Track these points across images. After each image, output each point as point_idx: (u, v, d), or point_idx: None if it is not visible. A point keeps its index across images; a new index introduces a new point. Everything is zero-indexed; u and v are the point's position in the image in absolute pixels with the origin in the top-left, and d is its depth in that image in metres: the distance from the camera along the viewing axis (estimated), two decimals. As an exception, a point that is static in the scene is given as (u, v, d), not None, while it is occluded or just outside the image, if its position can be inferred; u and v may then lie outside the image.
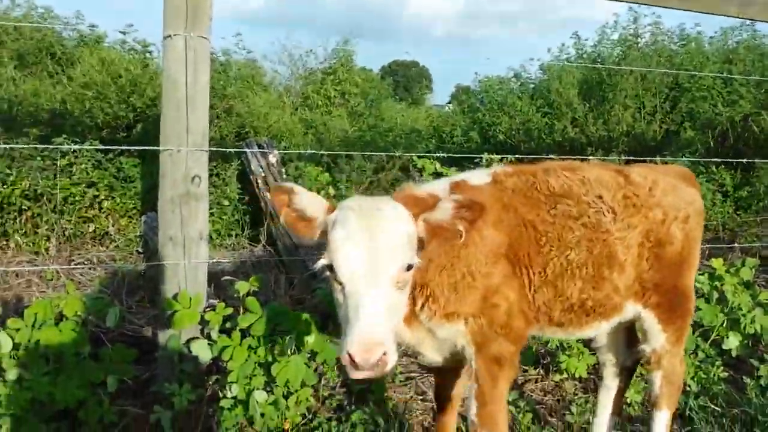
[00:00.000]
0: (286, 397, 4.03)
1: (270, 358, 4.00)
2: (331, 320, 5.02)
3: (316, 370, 4.41)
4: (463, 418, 3.58)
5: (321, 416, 4.09)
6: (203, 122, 4.16)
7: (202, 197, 4.21)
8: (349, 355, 2.22)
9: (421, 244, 2.63)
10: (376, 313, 2.31)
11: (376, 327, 2.28)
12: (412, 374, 5.03)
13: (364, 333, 2.24)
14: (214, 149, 7.56)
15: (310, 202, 2.66)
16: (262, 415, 3.88)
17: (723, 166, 9.86)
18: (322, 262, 2.48)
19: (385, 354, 2.23)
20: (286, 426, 3.89)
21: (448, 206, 2.62)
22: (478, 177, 3.27)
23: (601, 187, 3.39)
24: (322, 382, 4.48)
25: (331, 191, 8.45)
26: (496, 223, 3.04)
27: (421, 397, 4.76)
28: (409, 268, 2.51)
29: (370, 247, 2.40)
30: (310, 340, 4.15)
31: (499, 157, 8.47)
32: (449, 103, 17.11)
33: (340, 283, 2.42)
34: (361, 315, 2.29)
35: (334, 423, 3.99)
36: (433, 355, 3.20)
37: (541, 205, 3.21)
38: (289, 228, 2.70)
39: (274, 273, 6.35)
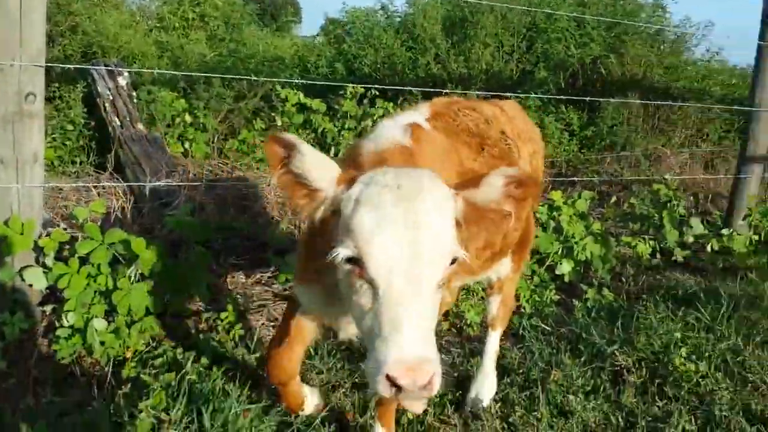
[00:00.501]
0: (129, 326, 3.93)
1: (111, 286, 3.86)
2: (182, 248, 4.92)
3: (162, 298, 4.32)
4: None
5: (166, 344, 4.03)
6: (39, 36, 3.91)
7: (37, 116, 3.97)
8: (389, 378, 1.77)
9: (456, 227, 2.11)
10: (421, 325, 1.84)
11: (422, 342, 1.82)
12: (266, 302, 5.04)
13: (410, 350, 1.79)
14: (53, 65, 7.05)
15: (316, 165, 2.08)
16: (102, 343, 3.76)
17: (571, 106, 10.40)
18: (344, 252, 1.96)
19: (434, 374, 1.80)
20: (128, 354, 3.80)
21: (497, 182, 2.11)
22: (418, 118, 2.93)
23: (499, 122, 3.44)
24: (168, 311, 4.39)
25: (188, 119, 8.14)
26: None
27: (272, 324, 4.79)
28: (454, 261, 2.04)
29: (416, 239, 1.91)
30: (157, 267, 4.04)
31: (363, 89, 8.48)
32: (317, 35, 16.71)
33: (371, 283, 1.92)
34: (405, 327, 1.82)
35: (179, 350, 3.94)
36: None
37: (472, 150, 3.13)
38: (282, 194, 2.31)
39: (121, 201, 6.07)
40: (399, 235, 1.90)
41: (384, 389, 1.78)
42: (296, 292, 2.96)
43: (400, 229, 1.91)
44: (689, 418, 3.68)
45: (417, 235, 1.91)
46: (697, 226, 7.39)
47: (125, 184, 6.39)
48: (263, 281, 5.38)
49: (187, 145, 8.07)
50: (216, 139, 8.37)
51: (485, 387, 3.90)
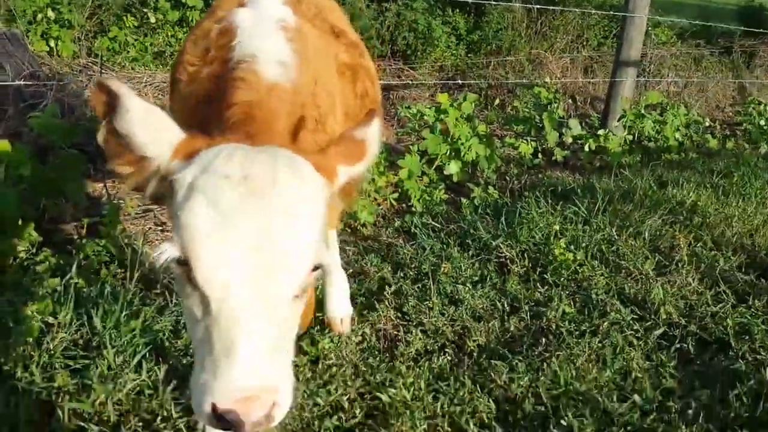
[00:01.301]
0: (5, 233, 3.68)
1: (-22, 192, 3.58)
2: (51, 154, 4.61)
3: (38, 204, 4.07)
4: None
5: (47, 251, 3.82)
6: None
7: None
8: (214, 408, 1.40)
9: None
10: (261, 347, 1.44)
11: (262, 368, 1.43)
12: (151, 206, 4.86)
13: (243, 380, 1.40)
14: None
15: (147, 125, 1.57)
16: (-25, 251, 3.52)
17: (458, 10, 10.37)
18: (171, 252, 1.49)
19: (274, 406, 1.44)
20: (7, 262, 3.58)
21: (372, 145, 1.77)
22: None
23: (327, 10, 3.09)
24: (46, 216, 4.15)
25: (51, 14, 7.46)
26: None
27: (160, 228, 4.65)
28: (316, 269, 1.59)
29: (263, 248, 1.47)
30: (26, 171, 3.77)
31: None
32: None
33: (201, 293, 1.48)
34: (240, 351, 1.41)
35: (63, 256, 3.74)
36: None
37: (338, 49, 2.87)
38: (107, 157, 1.64)
39: (-16, 103, 5.56)
40: (240, 243, 1.45)
41: (208, 420, 1.42)
42: None
43: (242, 235, 1.46)
44: (569, 301, 3.93)
45: (266, 244, 1.46)
46: (576, 127, 7.72)
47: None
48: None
49: (52, 43, 7.43)
50: (84, 36, 7.76)
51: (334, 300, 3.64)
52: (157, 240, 4.38)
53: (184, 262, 1.48)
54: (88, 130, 5.32)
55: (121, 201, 4.68)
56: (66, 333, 2.97)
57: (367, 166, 1.79)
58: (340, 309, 3.61)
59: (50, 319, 3.00)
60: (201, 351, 1.49)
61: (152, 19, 7.91)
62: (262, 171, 1.52)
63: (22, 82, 5.58)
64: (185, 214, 1.48)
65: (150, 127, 1.56)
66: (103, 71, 7.13)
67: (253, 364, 1.41)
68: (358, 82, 2.96)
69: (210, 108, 2.07)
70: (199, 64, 2.35)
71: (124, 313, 3.14)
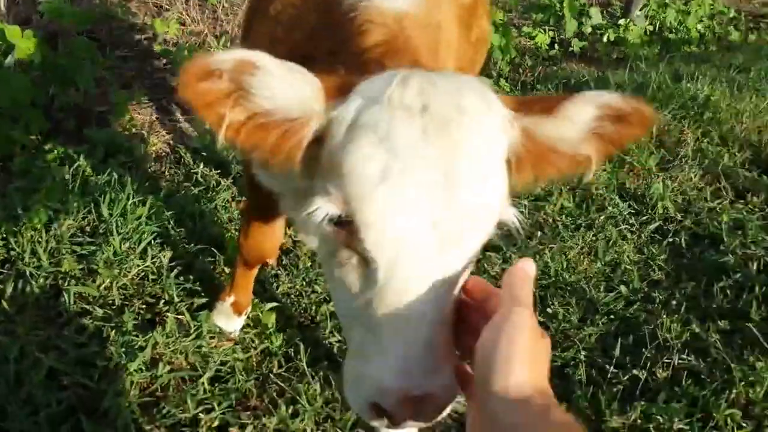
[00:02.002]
0: (15, 120, 3.75)
1: (-13, 79, 3.62)
2: (61, 40, 4.61)
3: (47, 91, 4.11)
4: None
5: (56, 139, 3.90)
6: None
7: None
8: (375, 406, 1.16)
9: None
10: (437, 332, 1.15)
11: (441, 358, 1.15)
12: (159, 96, 4.89)
13: (418, 373, 1.12)
14: None
15: (289, 79, 1.24)
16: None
17: None
18: (328, 209, 1.21)
19: (444, 407, 1.18)
20: (16, 149, 3.68)
21: (584, 114, 1.29)
22: None
23: None
24: (55, 104, 4.21)
25: None
26: None
27: (168, 118, 4.70)
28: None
29: (447, 198, 1.16)
30: (37, 58, 3.80)
31: None
32: None
33: (366, 260, 1.20)
34: (414, 335, 1.14)
35: (71, 146, 3.82)
36: None
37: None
38: (242, 153, 1.40)
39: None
40: (422, 192, 1.15)
41: (368, 415, 1.19)
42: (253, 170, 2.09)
43: (424, 180, 1.15)
44: (568, 196, 3.98)
45: (452, 192, 1.16)
46: (596, 15, 7.49)
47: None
48: (155, 74, 5.18)
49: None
50: None
51: None
52: (164, 131, 4.44)
53: (344, 222, 1.20)
54: (100, 16, 5.29)
55: (129, 90, 4.71)
56: (73, 220, 3.10)
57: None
58: None
59: (58, 206, 3.11)
60: (358, 332, 1.24)
61: None
62: (446, 101, 1.20)
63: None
64: (349, 159, 1.19)
65: (293, 83, 1.26)
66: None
67: (429, 356, 1.13)
68: (474, 27, 2.48)
69: (318, 43, 1.76)
70: None
71: (130, 201, 3.25)
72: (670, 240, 3.63)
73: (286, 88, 1.24)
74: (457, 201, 1.16)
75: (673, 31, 7.86)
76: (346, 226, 1.20)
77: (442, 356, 1.15)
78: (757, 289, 3.20)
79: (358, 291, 1.22)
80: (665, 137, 4.77)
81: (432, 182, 1.15)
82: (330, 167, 1.24)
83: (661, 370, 2.76)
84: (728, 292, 3.22)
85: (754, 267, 3.39)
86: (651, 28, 7.75)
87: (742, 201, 4.05)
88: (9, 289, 2.67)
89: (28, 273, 2.75)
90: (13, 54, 3.69)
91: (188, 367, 2.58)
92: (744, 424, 2.57)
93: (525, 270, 1.09)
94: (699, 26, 7.90)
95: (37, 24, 5.19)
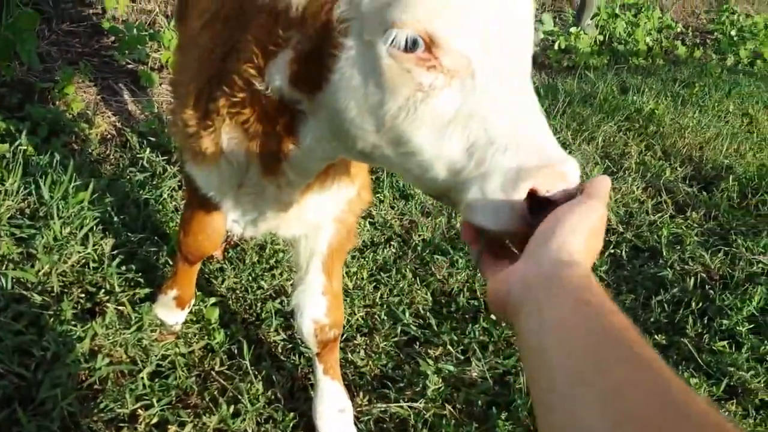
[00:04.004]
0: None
1: None
2: (6, 11, 4.41)
3: None
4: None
5: (-5, 114, 3.73)
6: None
7: None
8: (532, 193, 1.10)
9: None
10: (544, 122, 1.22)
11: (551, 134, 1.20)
12: (106, 75, 4.74)
13: (554, 148, 1.16)
14: None
15: None
16: None
17: None
18: (406, 33, 1.20)
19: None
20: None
21: None
22: None
23: None
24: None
25: None
26: None
27: (115, 99, 4.55)
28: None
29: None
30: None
31: None
32: None
33: (454, 72, 1.21)
34: (532, 118, 1.19)
35: (13, 121, 3.66)
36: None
37: None
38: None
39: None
40: None
41: (521, 214, 1.10)
42: (188, 170, 2.06)
43: None
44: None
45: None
46: (548, 22, 7.61)
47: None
48: (102, 51, 5.01)
49: None
50: None
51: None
52: (110, 111, 4.30)
53: (417, 41, 1.21)
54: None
55: (75, 67, 4.54)
56: (13, 201, 2.98)
57: None
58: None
59: (-4, 186, 2.99)
60: (470, 164, 1.18)
61: None
62: None
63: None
64: None
65: None
66: None
67: (548, 131, 1.19)
68: None
69: None
70: None
71: (73, 183, 3.13)
72: (611, 251, 3.72)
73: None
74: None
75: (622, 42, 8.04)
76: (422, 48, 1.21)
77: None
78: (693, 304, 3.31)
79: (454, 113, 1.21)
80: (610, 149, 4.88)
81: None
82: (376, 4, 1.26)
83: (598, 380, 2.83)
84: (666, 306, 3.32)
85: (691, 282, 3.51)
86: (601, 38, 7.91)
87: (682, 216, 4.18)
88: (-58, 271, 2.55)
89: (-38, 254, 2.63)
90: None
91: (128, 360, 2.51)
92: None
93: (604, 177, 1.14)
94: (647, 39, 8.11)
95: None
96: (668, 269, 3.62)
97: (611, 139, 4.99)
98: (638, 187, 4.41)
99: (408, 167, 1.32)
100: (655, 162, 4.80)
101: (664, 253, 3.76)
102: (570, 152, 4.63)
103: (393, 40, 1.21)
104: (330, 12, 1.33)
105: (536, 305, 0.91)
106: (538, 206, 1.09)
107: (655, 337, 3.09)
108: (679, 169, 4.77)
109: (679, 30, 9.17)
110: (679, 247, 3.84)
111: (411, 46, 1.21)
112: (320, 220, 2.09)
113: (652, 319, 3.25)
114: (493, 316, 3.03)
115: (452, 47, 1.19)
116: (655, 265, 3.68)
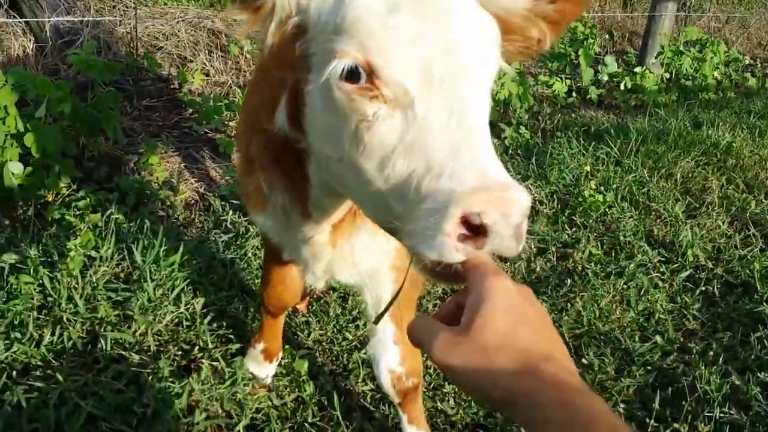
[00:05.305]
0: (47, 169, 3.81)
1: (22, 129, 3.69)
2: (89, 91, 4.70)
3: (77, 141, 4.18)
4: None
5: (87, 187, 3.95)
6: None
7: None
8: (465, 220, 1.04)
9: None
10: (489, 144, 1.19)
11: (500, 166, 1.13)
12: (187, 145, 4.96)
13: (492, 170, 1.10)
14: None
15: None
16: (21, 186, 3.66)
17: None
18: (342, 64, 1.22)
19: (527, 206, 1.09)
20: (50, 198, 3.72)
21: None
22: None
23: None
24: (86, 153, 4.28)
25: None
26: None
27: (196, 166, 4.75)
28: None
29: (450, 25, 1.25)
30: (66, 109, 3.87)
31: None
32: None
33: (395, 97, 1.21)
34: (473, 140, 1.15)
35: (103, 192, 3.87)
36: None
37: None
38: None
39: (21, 41, 5.65)
40: (434, 13, 1.24)
41: (452, 243, 1.05)
42: (251, 218, 2.22)
43: (425, 7, 1.23)
44: (596, 243, 3.97)
45: (455, 21, 1.25)
46: (612, 64, 7.58)
47: (23, 20, 5.92)
48: (182, 123, 5.26)
49: (86, -21, 7.45)
50: (119, -28, 7.75)
51: None
52: (192, 178, 4.49)
53: (356, 73, 1.21)
54: (126, 68, 5.41)
55: (157, 139, 4.78)
56: (108, 266, 3.11)
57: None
58: None
59: (92, 253, 3.13)
60: (409, 189, 1.15)
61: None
62: None
63: (58, 19, 5.65)
64: (353, 8, 1.24)
65: None
66: (136, 6, 7.15)
67: (492, 156, 1.14)
68: None
69: None
70: None
71: (163, 247, 3.26)
72: (703, 288, 3.60)
73: None
74: (459, 28, 1.24)
75: (690, 78, 7.93)
76: (364, 78, 1.21)
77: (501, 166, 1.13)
78: (794, 338, 3.16)
79: (397, 140, 1.19)
80: (690, 184, 4.77)
81: (441, 14, 1.23)
82: (329, 32, 1.28)
83: (702, 424, 2.70)
84: (766, 342, 3.17)
85: (790, 316, 3.35)
86: (667, 75, 7.82)
87: (772, 248, 4.03)
88: (47, 335, 2.67)
89: (65, 319, 2.75)
90: (43, 105, 3.77)
91: (224, 414, 2.56)
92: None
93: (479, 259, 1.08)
94: (715, 73, 7.98)
95: (66, 75, 5.31)
96: (764, 304, 3.46)
97: (690, 175, 4.88)
98: (724, 222, 4.27)
99: (368, 203, 1.34)
100: (739, 195, 4.66)
101: (758, 288, 3.61)
102: (648, 190, 4.55)
103: (334, 69, 1.22)
104: (293, 48, 1.36)
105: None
106: (475, 233, 1.05)
107: (759, 375, 2.95)
108: (764, 201, 4.61)
109: (747, 62, 8.98)
110: (773, 281, 3.69)
111: (352, 76, 1.22)
112: (376, 267, 2.07)
113: (752, 357, 3.11)
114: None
115: (391, 78, 1.20)
116: (751, 301, 3.53)
